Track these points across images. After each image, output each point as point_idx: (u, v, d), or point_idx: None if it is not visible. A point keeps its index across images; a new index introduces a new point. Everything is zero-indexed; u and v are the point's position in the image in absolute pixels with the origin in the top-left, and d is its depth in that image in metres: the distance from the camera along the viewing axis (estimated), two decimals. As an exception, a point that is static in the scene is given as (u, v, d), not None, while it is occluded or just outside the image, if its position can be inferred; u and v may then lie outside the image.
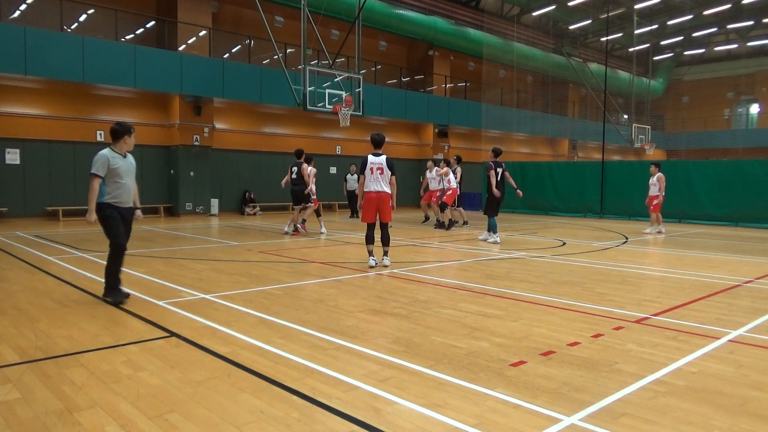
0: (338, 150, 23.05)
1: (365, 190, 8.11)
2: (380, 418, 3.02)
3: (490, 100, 27.53)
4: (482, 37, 27.01)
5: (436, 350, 4.21)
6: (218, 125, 19.81)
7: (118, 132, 5.73)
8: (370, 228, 8.25)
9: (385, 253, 8.24)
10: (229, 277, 7.27)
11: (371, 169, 8.01)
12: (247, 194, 20.04)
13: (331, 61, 17.31)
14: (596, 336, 4.63)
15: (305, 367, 3.79)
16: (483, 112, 26.12)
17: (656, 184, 13.86)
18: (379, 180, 8.03)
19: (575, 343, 4.40)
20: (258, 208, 19.87)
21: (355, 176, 18.57)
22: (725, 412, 3.17)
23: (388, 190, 8.11)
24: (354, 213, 18.57)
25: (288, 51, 20.90)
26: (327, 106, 16.66)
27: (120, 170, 5.63)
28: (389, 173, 8.09)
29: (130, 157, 5.86)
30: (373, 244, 8.26)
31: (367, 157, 8.13)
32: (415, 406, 3.17)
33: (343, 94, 17.01)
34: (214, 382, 3.51)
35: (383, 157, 8.11)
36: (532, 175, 21.61)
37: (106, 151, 5.64)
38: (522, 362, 3.94)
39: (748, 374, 3.78)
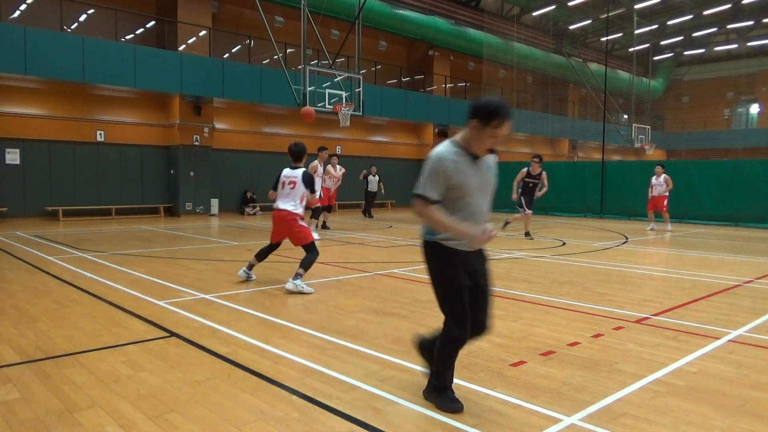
0: (338, 150, 23.03)
1: (274, 206, 6.79)
2: (380, 418, 3.02)
3: (490, 100, 27.45)
4: (482, 37, 27.01)
5: (436, 350, 4.20)
6: (218, 125, 19.81)
7: (490, 112, 2.92)
8: (272, 247, 6.98)
9: (295, 275, 6.41)
10: (229, 276, 7.27)
11: (282, 183, 6.73)
12: (247, 194, 20.03)
13: (331, 61, 17.31)
14: (596, 336, 4.63)
15: (305, 367, 3.79)
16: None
17: (663, 185, 14.18)
18: (288, 196, 6.65)
19: (575, 343, 4.40)
20: (258, 208, 19.87)
21: (377, 177, 18.75)
22: (725, 412, 3.16)
23: (294, 210, 6.60)
24: (366, 212, 18.86)
25: (288, 51, 20.90)
26: (327, 106, 16.66)
27: (466, 183, 3.01)
28: (303, 189, 6.65)
29: (490, 159, 3.17)
30: (258, 260, 7.00)
31: (281, 171, 6.86)
32: (415, 406, 3.17)
33: (343, 94, 17.01)
34: (214, 382, 3.51)
35: (299, 170, 6.75)
36: (532, 175, 21.57)
37: (444, 150, 3.03)
38: (522, 362, 3.94)
39: (749, 374, 3.77)
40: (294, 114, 20.95)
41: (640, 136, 29.62)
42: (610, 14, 26.26)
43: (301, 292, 6.25)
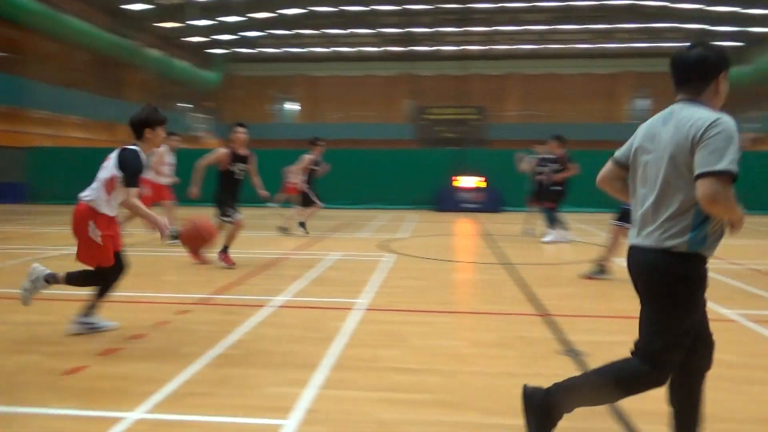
0: None
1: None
2: None
3: (36, 76, 23.89)
4: (24, 1, 23.03)
5: (-36, 378, 3.44)
6: None
7: (725, 53, 2.44)
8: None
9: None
10: None
11: None
12: None
13: None
14: (161, 324, 4.65)
15: None
16: (27, 89, 22.52)
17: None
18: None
19: (140, 336, 4.32)
20: None
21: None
22: (270, 368, 3.66)
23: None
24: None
25: None
26: None
27: None
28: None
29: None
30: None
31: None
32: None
33: None
34: None
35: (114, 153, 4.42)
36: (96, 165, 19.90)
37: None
38: (79, 368, 3.62)
39: (291, 332, 4.48)
40: None
41: (199, 125, 30.94)
42: (168, 3, 26.29)
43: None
